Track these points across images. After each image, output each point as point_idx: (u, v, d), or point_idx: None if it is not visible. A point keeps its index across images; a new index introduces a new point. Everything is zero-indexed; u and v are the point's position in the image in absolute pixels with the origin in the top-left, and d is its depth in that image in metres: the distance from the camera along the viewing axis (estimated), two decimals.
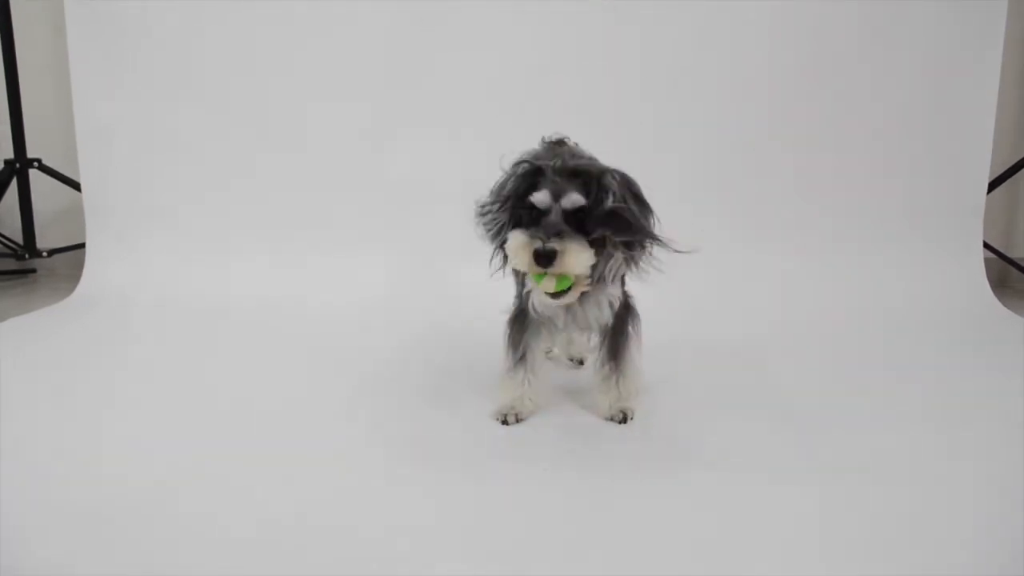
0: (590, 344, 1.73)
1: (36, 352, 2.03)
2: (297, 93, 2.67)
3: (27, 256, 2.93)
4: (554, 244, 1.18)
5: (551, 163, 1.29)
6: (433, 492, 1.22)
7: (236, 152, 2.71)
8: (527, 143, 1.83)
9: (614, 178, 1.26)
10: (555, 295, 1.26)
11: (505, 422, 1.46)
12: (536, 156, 1.39)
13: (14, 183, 2.92)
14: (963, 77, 2.56)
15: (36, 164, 2.91)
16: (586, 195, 1.24)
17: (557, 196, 1.24)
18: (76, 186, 2.84)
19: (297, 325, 2.28)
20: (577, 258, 1.21)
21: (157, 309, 2.42)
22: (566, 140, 1.82)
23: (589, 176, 1.26)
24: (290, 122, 2.68)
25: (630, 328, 1.49)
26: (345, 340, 2.11)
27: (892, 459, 1.33)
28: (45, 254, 2.92)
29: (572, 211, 1.24)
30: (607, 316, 1.43)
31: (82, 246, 2.80)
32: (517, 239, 1.23)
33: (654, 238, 1.28)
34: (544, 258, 1.19)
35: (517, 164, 1.34)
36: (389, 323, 2.27)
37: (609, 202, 1.22)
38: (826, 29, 2.54)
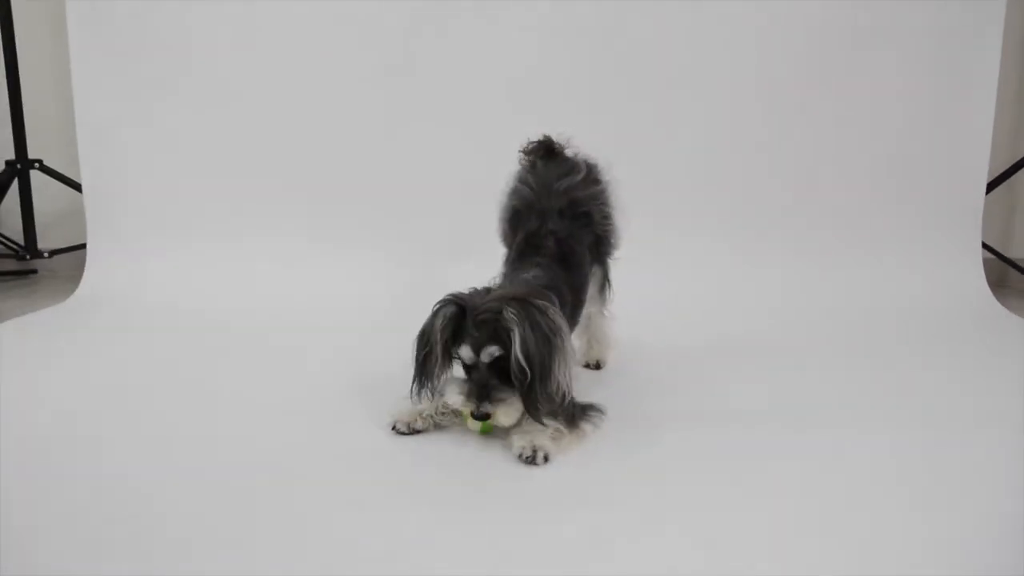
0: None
1: (37, 352, 2.03)
2: (299, 94, 2.68)
3: (28, 257, 2.94)
4: (485, 408, 1.30)
5: (472, 306, 1.33)
6: (428, 496, 1.22)
7: (238, 154, 2.71)
8: (525, 141, 1.84)
9: (514, 319, 1.27)
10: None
11: (395, 428, 1.42)
12: (457, 298, 1.37)
13: (15, 184, 2.93)
14: (961, 78, 2.57)
15: (37, 165, 2.92)
16: (501, 343, 1.29)
17: (477, 350, 1.31)
18: (77, 187, 2.85)
19: (298, 327, 2.27)
20: (507, 415, 1.31)
21: (158, 310, 2.42)
22: (551, 140, 1.81)
23: (496, 324, 1.29)
24: (292, 123, 2.69)
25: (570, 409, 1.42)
26: (347, 342, 2.11)
27: (891, 460, 1.33)
28: (46, 255, 2.93)
29: (494, 361, 1.30)
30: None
31: (83, 247, 2.81)
32: (455, 399, 1.34)
33: (539, 404, 1.29)
34: (480, 417, 1.32)
35: (438, 307, 1.37)
36: (394, 325, 2.27)
37: (516, 349, 1.26)
38: (825, 31, 2.54)
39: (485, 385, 1.31)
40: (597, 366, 1.86)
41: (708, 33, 2.57)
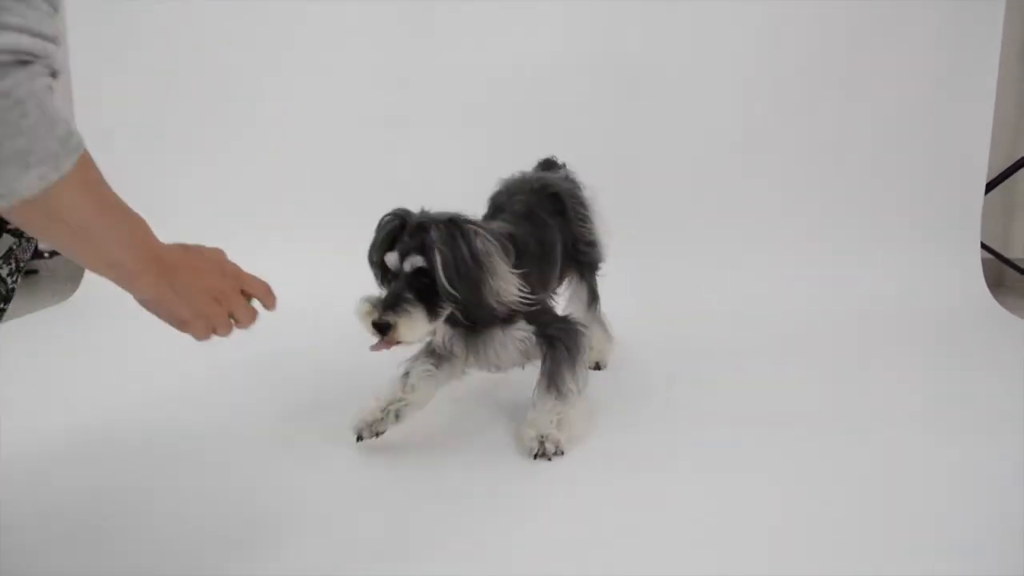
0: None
1: (37, 353, 2.04)
2: (300, 94, 2.68)
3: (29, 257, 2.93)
4: (387, 317, 1.22)
5: (410, 218, 1.29)
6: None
7: (238, 154, 2.71)
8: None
9: (440, 231, 1.23)
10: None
11: (360, 438, 1.35)
12: (402, 211, 1.33)
13: None
14: (960, 78, 2.56)
15: None
16: (427, 256, 1.24)
17: (402, 257, 1.26)
18: None
19: (299, 327, 2.22)
20: (408, 329, 1.23)
21: None
22: (555, 161, 1.84)
23: (426, 236, 1.24)
24: (293, 123, 2.68)
25: (564, 352, 1.38)
26: (354, 344, 2.07)
27: (888, 461, 1.33)
28: (46, 255, 2.94)
29: (416, 273, 1.25)
30: (514, 357, 1.38)
31: None
32: (361, 308, 1.26)
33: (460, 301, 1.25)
34: (380, 328, 1.23)
35: (384, 217, 1.33)
36: None
37: (440, 272, 1.21)
38: (822, 30, 2.54)
39: (398, 296, 1.24)
40: (597, 367, 1.85)
41: (706, 33, 2.57)
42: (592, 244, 1.74)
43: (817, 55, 2.56)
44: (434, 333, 1.29)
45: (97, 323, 2.32)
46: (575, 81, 2.61)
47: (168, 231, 2.82)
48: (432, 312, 1.25)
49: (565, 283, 1.73)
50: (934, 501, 1.18)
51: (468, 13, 2.59)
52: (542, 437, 1.28)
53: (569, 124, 2.61)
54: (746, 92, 2.59)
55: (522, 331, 1.37)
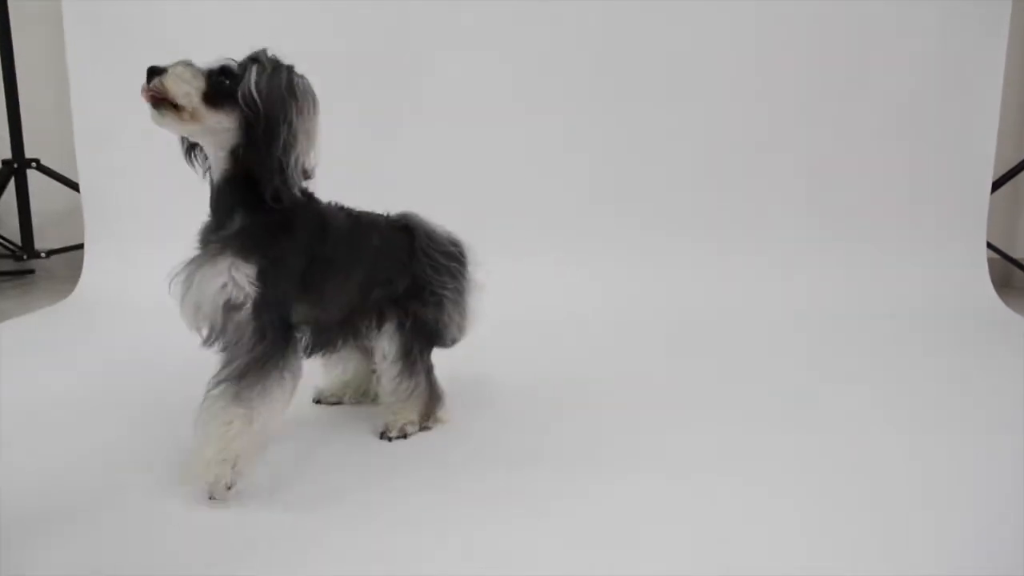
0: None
1: (34, 353, 2.02)
2: None
3: (25, 257, 2.92)
4: (167, 65, 1.14)
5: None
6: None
7: None
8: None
9: (273, 56, 1.20)
10: None
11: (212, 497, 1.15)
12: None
13: (12, 183, 2.91)
14: (967, 76, 2.56)
15: (34, 164, 2.90)
16: (243, 68, 1.18)
17: (221, 61, 1.19)
18: (75, 186, 2.83)
19: None
20: (178, 78, 1.15)
21: (155, 311, 2.36)
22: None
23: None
24: None
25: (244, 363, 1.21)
26: None
27: (893, 463, 1.32)
28: (43, 255, 2.92)
29: (222, 70, 1.18)
30: (213, 302, 1.24)
31: (81, 247, 2.79)
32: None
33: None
34: (151, 73, 1.16)
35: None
36: None
37: (250, 81, 1.16)
38: (828, 28, 2.54)
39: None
40: (402, 435, 1.40)
41: (710, 30, 2.56)
42: (438, 292, 1.44)
43: (822, 53, 2.55)
44: (195, 119, 1.19)
45: (94, 324, 2.31)
46: (574, 81, 2.60)
47: (168, 229, 2.82)
48: (212, 101, 1.17)
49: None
50: (939, 502, 1.17)
51: (467, 13, 2.58)
52: (210, 482, 1.12)
53: (569, 121, 2.61)
54: (746, 92, 2.58)
55: (247, 277, 1.22)
